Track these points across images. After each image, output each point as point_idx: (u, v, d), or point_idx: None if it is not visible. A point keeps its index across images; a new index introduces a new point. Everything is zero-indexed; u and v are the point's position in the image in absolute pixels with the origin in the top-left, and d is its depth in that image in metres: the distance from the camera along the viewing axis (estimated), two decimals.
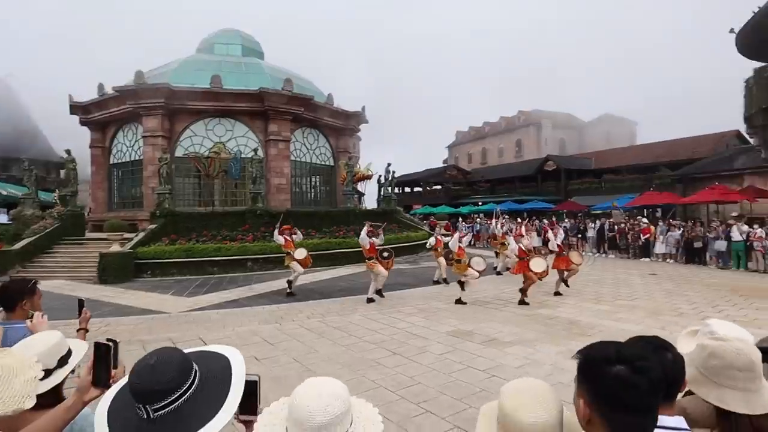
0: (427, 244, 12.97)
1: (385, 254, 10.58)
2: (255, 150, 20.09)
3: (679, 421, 1.27)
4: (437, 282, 12.61)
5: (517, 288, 9.86)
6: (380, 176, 24.40)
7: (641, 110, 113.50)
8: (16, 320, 2.76)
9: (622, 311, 8.73)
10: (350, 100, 41.17)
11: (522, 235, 10.47)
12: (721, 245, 13.97)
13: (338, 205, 26.06)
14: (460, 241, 9.93)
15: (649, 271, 13.81)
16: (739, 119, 21.50)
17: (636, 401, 1.04)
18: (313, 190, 26.92)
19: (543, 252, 9.98)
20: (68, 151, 18.57)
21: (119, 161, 23.74)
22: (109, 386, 1.43)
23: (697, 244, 14.90)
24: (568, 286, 10.73)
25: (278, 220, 18.16)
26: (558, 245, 10.62)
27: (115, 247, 14.06)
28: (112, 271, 13.44)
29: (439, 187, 49.14)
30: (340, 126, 26.34)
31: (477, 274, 9.74)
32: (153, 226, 16.17)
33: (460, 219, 30.55)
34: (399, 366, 5.77)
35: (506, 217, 27.47)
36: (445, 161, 66.55)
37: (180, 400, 1.17)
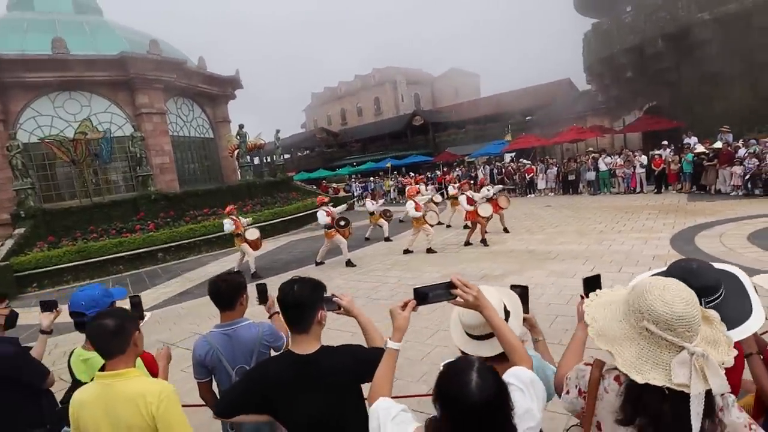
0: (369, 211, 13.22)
1: (342, 223, 10.54)
2: (134, 126, 17.41)
3: None
4: (368, 239, 13.12)
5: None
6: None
7: (481, 64, 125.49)
8: (238, 318, 2.48)
9: (558, 237, 10.23)
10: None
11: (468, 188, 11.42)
12: (591, 175, 16.99)
13: (224, 179, 24.31)
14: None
15: (544, 204, 16.15)
16: (563, 69, 25.31)
17: None
18: (191, 166, 24.26)
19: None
20: None
21: None
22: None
23: (571, 177, 17.85)
24: (508, 231, 11.75)
25: (176, 203, 16.54)
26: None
27: None
28: None
29: (308, 151, 48.56)
30: (216, 93, 24.05)
31: (431, 228, 10.70)
32: (21, 230, 13.23)
33: (353, 180, 31.07)
34: (432, 312, 5.93)
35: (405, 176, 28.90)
36: (303, 125, 65.45)
37: (722, 296, 1.49)
